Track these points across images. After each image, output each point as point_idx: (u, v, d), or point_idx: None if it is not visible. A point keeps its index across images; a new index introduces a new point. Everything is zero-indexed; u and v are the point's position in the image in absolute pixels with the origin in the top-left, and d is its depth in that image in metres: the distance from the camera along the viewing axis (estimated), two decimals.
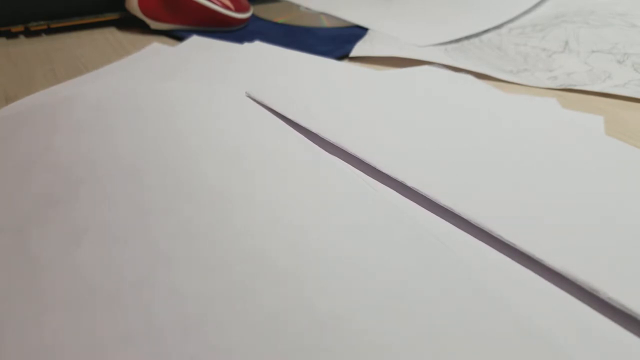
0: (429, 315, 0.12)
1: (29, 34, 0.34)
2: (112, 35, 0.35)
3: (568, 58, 0.32)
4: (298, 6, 0.43)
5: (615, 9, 0.39)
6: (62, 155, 0.17)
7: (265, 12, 0.41)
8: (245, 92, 0.23)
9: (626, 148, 0.20)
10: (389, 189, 0.18)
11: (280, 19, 0.39)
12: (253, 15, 0.39)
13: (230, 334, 0.11)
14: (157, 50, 0.31)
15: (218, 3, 0.35)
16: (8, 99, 0.24)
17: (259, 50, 0.31)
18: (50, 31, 0.35)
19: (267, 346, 0.11)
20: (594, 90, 0.28)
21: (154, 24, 0.35)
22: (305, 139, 0.20)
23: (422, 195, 0.17)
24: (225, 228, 0.15)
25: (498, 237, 0.15)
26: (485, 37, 0.37)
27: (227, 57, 0.29)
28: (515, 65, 0.31)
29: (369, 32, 0.36)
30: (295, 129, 0.20)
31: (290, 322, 0.12)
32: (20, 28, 0.33)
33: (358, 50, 0.32)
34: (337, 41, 0.34)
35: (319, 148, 0.19)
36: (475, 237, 0.15)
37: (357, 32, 0.37)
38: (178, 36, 0.34)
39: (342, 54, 0.32)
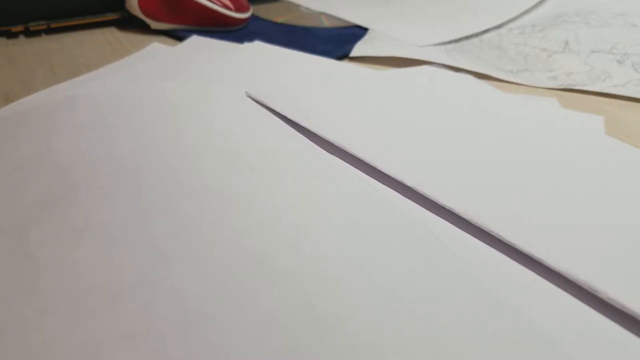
0: (429, 315, 0.12)
1: (29, 34, 0.34)
2: (112, 35, 0.35)
3: (568, 58, 0.32)
4: (298, 6, 0.43)
5: (615, 9, 0.39)
6: (61, 155, 0.17)
7: (265, 12, 0.41)
8: (245, 92, 0.23)
9: (626, 148, 0.20)
10: (389, 189, 0.18)
11: (280, 19, 0.39)
12: (253, 15, 0.39)
13: (230, 334, 0.11)
14: (157, 50, 0.31)
15: (218, 3, 0.35)
16: (8, 99, 0.24)
17: (259, 50, 0.31)
18: (50, 31, 0.35)
19: (267, 346, 0.11)
20: (593, 90, 0.28)
21: (154, 24, 0.35)
22: (305, 139, 0.20)
23: (422, 195, 0.17)
24: (225, 228, 0.15)
25: (498, 237, 0.15)
26: (485, 37, 0.37)
27: (227, 57, 0.29)
28: (515, 65, 0.31)
29: (369, 32, 0.36)
30: (295, 128, 0.20)
31: (290, 322, 0.12)
32: (20, 28, 0.33)
33: (358, 50, 0.32)
34: (337, 41, 0.34)
35: (319, 148, 0.19)
36: (475, 237, 0.15)
37: (357, 32, 0.37)
38: (178, 36, 0.34)
39: (342, 54, 0.32)
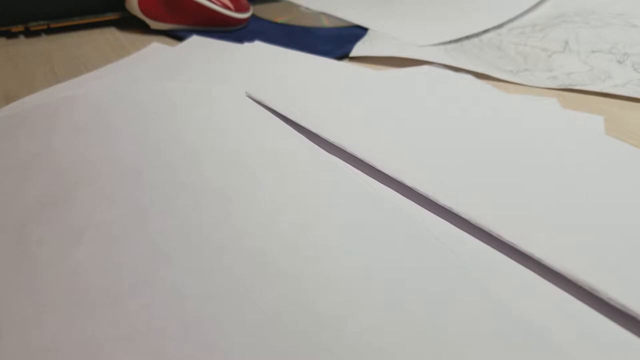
0: (429, 315, 0.12)
1: (29, 34, 0.34)
2: (112, 35, 0.35)
3: (568, 58, 0.32)
4: (298, 6, 0.43)
5: (615, 9, 0.39)
6: (61, 155, 0.17)
7: (265, 12, 0.41)
8: (245, 92, 0.23)
9: (626, 148, 0.20)
10: (389, 189, 0.18)
11: (280, 19, 0.39)
12: (253, 15, 0.39)
13: (230, 334, 0.11)
14: (157, 50, 0.31)
15: (218, 3, 0.35)
16: (8, 99, 0.24)
17: (259, 50, 0.31)
18: (50, 31, 0.35)
19: (267, 346, 0.11)
20: (594, 90, 0.28)
21: (154, 24, 0.35)
22: (305, 139, 0.20)
23: (422, 195, 0.17)
24: (224, 228, 0.15)
25: (498, 237, 0.15)
26: (485, 37, 0.37)
27: (227, 57, 0.29)
28: (515, 65, 0.31)
29: (369, 32, 0.36)
30: (295, 128, 0.20)
31: (290, 322, 0.12)
32: (20, 28, 0.33)
33: (358, 50, 0.32)
34: (337, 41, 0.34)
35: (319, 148, 0.19)
36: (475, 237, 0.15)
37: (357, 32, 0.37)
38: (178, 36, 0.34)
39: (342, 54, 0.32)
